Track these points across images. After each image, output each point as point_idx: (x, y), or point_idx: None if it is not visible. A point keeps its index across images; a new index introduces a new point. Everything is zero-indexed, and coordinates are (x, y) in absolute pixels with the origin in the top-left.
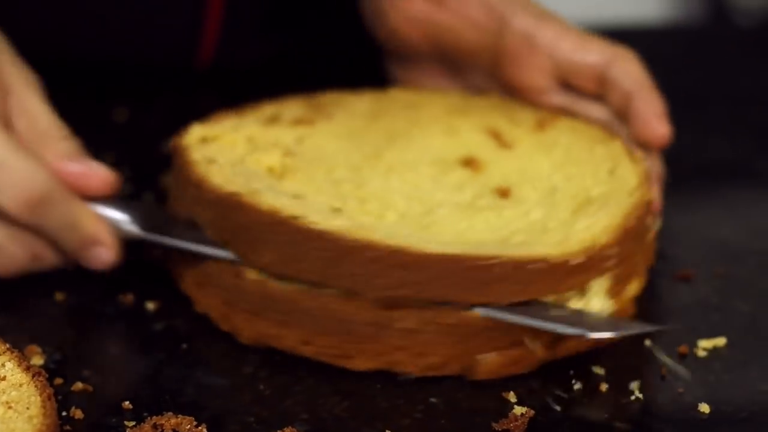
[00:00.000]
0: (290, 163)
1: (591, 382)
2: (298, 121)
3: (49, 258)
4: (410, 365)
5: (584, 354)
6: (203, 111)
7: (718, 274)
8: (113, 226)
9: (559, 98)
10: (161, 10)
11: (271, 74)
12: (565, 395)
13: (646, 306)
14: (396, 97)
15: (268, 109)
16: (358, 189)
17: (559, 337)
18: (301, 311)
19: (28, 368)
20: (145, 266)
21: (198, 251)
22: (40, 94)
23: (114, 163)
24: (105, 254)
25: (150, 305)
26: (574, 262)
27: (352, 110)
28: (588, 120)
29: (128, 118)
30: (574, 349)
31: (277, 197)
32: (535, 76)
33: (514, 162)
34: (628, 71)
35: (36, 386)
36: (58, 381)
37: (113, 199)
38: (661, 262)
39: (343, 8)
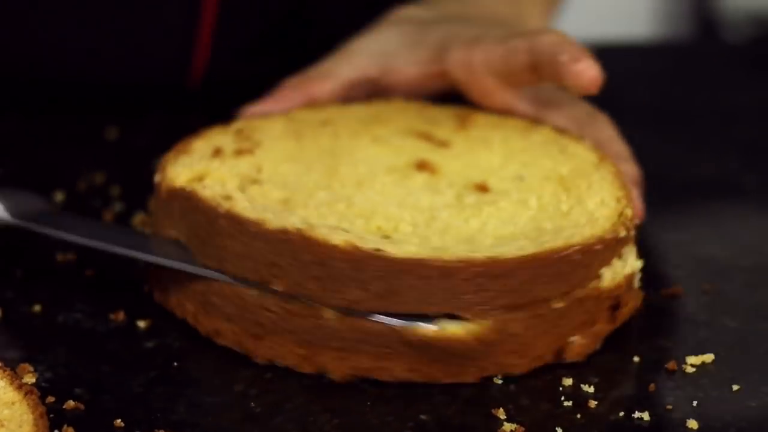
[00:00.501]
0: (274, 193)
1: (580, 399)
2: (239, 152)
3: None
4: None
5: (573, 371)
6: (193, 129)
7: (706, 291)
8: None
9: (525, 108)
10: (153, 29)
11: (260, 92)
12: (554, 412)
13: (633, 323)
14: (305, 117)
15: (197, 142)
16: (349, 208)
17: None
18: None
19: (20, 386)
20: (135, 285)
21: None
22: None
23: (105, 182)
24: None
25: (141, 323)
26: (622, 234)
27: (274, 134)
28: (556, 127)
29: (119, 137)
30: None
31: (331, 231)
32: (492, 97)
33: (462, 159)
34: (547, 40)
35: (28, 404)
36: (50, 399)
37: None
38: (649, 279)
39: (332, 28)
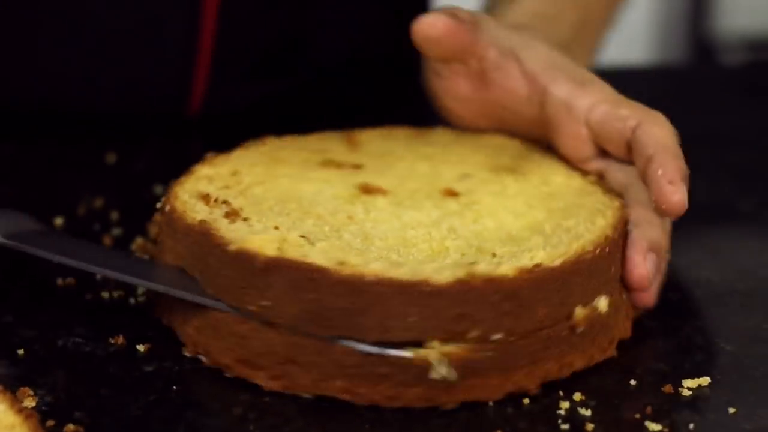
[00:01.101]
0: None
1: (577, 422)
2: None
3: None
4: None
5: (570, 395)
6: (192, 154)
7: (702, 315)
8: None
9: (598, 164)
10: (152, 59)
11: (258, 119)
12: None
13: (629, 346)
14: (258, 149)
15: (203, 170)
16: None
17: None
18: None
19: (20, 410)
20: (134, 309)
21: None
22: None
23: (104, 207)
24: None
25: (140, 347)
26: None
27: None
28: (615, 184)
29: (117, 162)
30: None
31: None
32: (573, 143)
33: (391, 174)
34: (652, 134)
35: (28, 428)
36: (50, 423)
37: None
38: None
39: (328, 56)
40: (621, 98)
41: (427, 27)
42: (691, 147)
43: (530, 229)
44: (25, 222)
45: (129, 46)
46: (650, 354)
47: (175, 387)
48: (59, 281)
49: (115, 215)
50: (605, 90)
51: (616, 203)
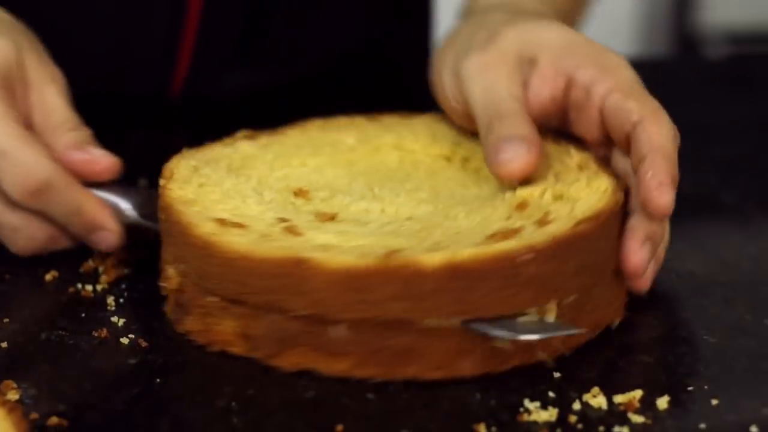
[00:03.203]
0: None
1: (561, 411)
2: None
3: (63, 240)
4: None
5: (554, 385)
6: (174, 149)
7: (685, 307)
8: (116, 210)
9: (606, 149)
10: (137, 39)
11: (240, 106)
12: (535, 426)
13: (613, 338)
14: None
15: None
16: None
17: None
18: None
19: (3, 403)
20: (118, 302)
21: None
22: (59, 90)
23: None
24: (109, 238)
25: (124, 340)
26: None
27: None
28: (617, 173)
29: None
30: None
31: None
32: (586, 125)
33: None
34: (650, 134)
35: (12, 421)
36: (34, 416)
37: (116, 186)
38: (630, 295)
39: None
40: (635, 88)
41: (512, 170)
42: None
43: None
44: (153, 199)
45: (113, 26)
46: (633, 346)
47: (158, 380)
48: (43, 274)
49: None
50: (623, 76)
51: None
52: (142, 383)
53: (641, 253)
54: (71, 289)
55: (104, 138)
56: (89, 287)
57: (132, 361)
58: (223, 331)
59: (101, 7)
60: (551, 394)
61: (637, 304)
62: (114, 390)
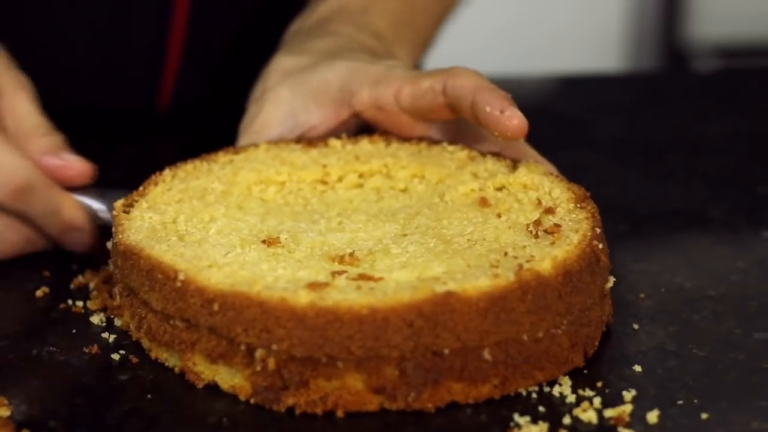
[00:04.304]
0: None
1: (550, 428)
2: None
3: (39, 242)
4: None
5: (540, 397)
6: (162, 162)
7: (674, 320)
8: (91, 212)
9: (441, 136)
10: (123, 53)
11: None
12: None
13: (603, 352)
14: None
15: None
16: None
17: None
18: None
19: None
20: (109, 318)
21: None
22: (29, 96)
23: None
24: (82, 238)
25: (115, 356)
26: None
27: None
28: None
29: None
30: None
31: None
32: (406, 131)
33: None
34: (460, 86)
35: None
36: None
37: (90, 189)
38: (618, 309)
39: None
40: (418, 73)
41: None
42: (663, 153)
43: None
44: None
45: (98, 37)
46: (623, 360)
47: (149, 396)
48: (34, 290)
49: None
50: (401, 74)
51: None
52: (133, 399)
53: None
54: (62, 306)
55: (92, 151)
56: (80, 303)
57: (123, 377)
58: (353, 386)
59: (86, 18)
60: (541, 408)
61: (626, 318)
62: (105, 406)
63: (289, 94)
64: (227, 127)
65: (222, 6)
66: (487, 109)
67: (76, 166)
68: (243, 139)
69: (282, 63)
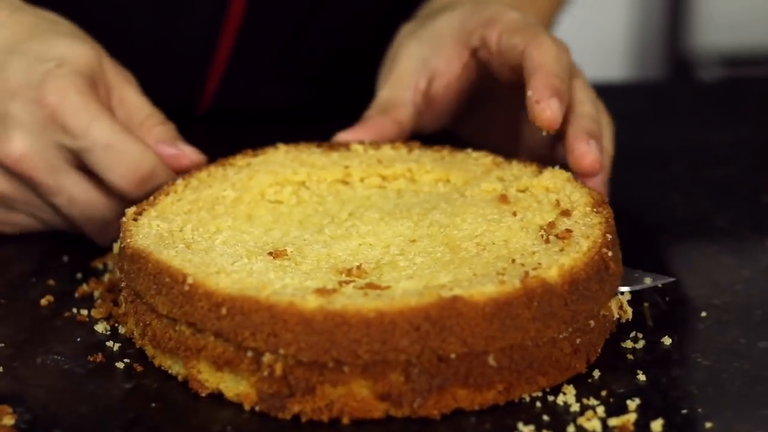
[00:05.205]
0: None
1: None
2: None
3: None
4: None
5: (540, 408)
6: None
7: (679, 329)
8: None
9: None
10: (171, 55)
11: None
12: None
13: (606, 360)
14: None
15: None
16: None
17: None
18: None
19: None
20: (114, 326)
21: None
22: (136, 88)
23: None
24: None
25: (119, 365)
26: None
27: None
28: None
29: None
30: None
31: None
32: (505, 75)
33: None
34: (531, 59)
35: None
36: None
37: None
38: (620, 320)
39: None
40: (519, 24)
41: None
42: (668, 162)
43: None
44: None
45: (149, 39)
46: (627, 368)
47: (154, 404)
48: (38, 298)
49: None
50: (508, 17)
51: None
52: (138, 408)
53: (592, 150)
54: (67, 314)
55: None
56: (84, 312)
57: (127, 385)
58: (359, 393)
59: (139, 17)
60: (546, 417)
61: (630, 326)
62: (109, 415)
63: (415, 44)
64: (262, 130)
65: (273, 14)
66: (529, 93)
67: (192, 155)
68: (383, 93)
69: (407, 27)
